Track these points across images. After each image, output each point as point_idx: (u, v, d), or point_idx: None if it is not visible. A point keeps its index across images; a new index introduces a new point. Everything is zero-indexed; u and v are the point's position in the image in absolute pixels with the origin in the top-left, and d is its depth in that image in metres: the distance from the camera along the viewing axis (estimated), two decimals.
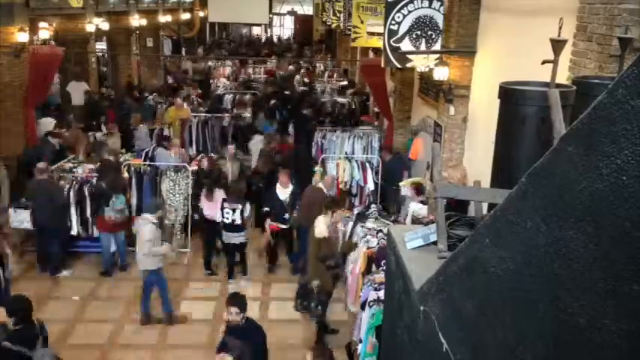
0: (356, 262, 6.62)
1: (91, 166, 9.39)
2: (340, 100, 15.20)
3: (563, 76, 4.01)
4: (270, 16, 25.09)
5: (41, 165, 8.19)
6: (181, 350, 6.66)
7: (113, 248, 8.40)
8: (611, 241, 1.01)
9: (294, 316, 7.35)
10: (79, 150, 10.61)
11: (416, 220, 6.58)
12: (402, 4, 7.80)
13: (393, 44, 7.94)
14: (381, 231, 6.59)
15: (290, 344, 6.67)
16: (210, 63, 22.26)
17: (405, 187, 8.41)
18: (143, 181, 8.94)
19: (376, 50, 12.28)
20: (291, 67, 20.77)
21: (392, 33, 7.90)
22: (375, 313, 5.24)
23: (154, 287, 7.10)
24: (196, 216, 8.88)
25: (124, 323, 7.17)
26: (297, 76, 18.94)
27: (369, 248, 6.39)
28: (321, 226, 6.64)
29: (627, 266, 0.97)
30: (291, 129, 12.86)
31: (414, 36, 7.89)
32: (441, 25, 7.89)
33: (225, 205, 7.83)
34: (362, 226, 6.91)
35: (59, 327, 6.85)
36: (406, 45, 7.93)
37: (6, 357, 4.44)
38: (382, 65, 8.68)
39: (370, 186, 9.97)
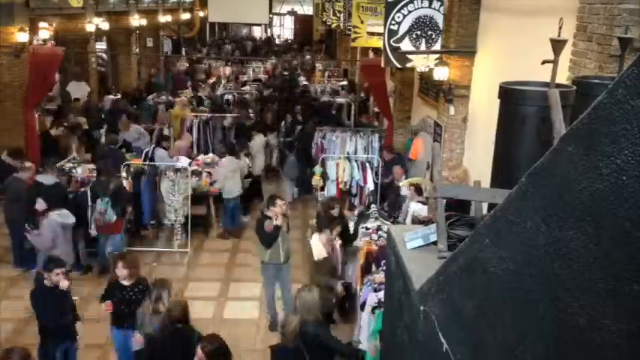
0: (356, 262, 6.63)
1: (92, 166, 9.40)
2: (338, 100, 15.19)
3: (563, 76, 4.01)
4: (270, 16, 25.09)
5: (27, 164, 8.22)
6: None
7: (110, 249, 8.42)
8: (611, 241, 1.01)
9: None
10: (75, 149, 10.64)
11: (416, 220, 6.58)
12: (402, 4, 7.80)
13: (393, 44, 7.94)
14: (380, 229, 6.61)
15: None
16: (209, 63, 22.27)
17: (405, 187, 8.41)
18: (141, 181, 8.94)
19: (376, 50, 12.29)
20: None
21: (392, 33, 7.90)
22: (378, 316, 5.22)
23: None
24: None
25: None
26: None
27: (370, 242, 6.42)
28: (318, 247, 6.22)
29: (627, 266, 0.97)
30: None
31: (414, 36, 7.89)
32: (441, 25, 7.89)
33: None
34: (362, 227, 6.91)
35: None
36: (406, 45, 7.93)
37: None
38: (382, 65, 8.68)
39: (370, 186, 9.97)
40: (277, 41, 36.04)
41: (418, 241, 2.59)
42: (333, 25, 17.19)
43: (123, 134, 11.54)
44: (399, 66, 8.41)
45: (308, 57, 21.64)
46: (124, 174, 8.70)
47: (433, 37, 7.88)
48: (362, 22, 11.34)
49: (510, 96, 2.61)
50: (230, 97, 15.41)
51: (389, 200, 9.12)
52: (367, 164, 10.10)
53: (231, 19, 22.71)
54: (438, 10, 7.85)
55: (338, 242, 6.54)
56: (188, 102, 13.74)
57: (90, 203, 8.16)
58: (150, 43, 20.08)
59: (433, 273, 2.01)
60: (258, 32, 38.49)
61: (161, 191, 8.94)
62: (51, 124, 11.48)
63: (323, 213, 6.97)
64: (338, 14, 15.37)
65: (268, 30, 37.98)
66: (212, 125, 12.50)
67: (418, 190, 7.80)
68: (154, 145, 10.44)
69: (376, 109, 13.21)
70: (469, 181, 7.72)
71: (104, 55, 18.18)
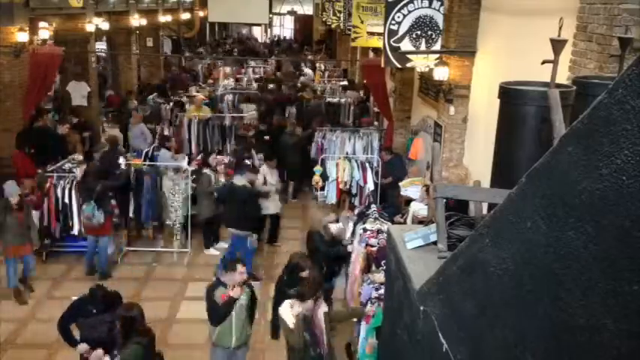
0: (355, 263, 6.61)
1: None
2: (333, 100, 15.17)
3: (563, 76, 4.01)
4: (270, 16, 25.06)
5: None
6: (181, 350, 6.66)
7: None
8: (611, 241, 1.01)
9: None
10: (78, 149, 10.66)
11: (416, 220, 6.58)
12: (402, 4, 7.80)
13: (393, 44, 7.94)
14: (380, 231, 6.58)
15: None
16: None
17: (406, 189, 8.41)
18: (143, 180, 8.93)
19: (376, 50, 12.29)
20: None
21: (392, 33, 7.90)
22: (376, 313, 5.23)
23: None
24: None
25: None
26: (302, 78, 18.82)
27: (368, 246, 6.39)
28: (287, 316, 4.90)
29: (627, 266, 0.97)
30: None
31: (414, 36, 7.89)
32: (441, 25, 7.89)
33: None
34: (362, 227, 6.88)
35: None
36: (406, 45, 7.93)
37: None
38: (382, 65, 8.68)
39: (370, 186, 9.97)
40: (269, 40, 36.04)
41: (418, 241, 2.59)
42: (333, 25, 17.17)
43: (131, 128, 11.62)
44: (399, 66, 8.41)
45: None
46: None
47: (433, 37, 7.88)
48: (362, 22, 11.34)
49: (510, 96, 2.61)
50: (230, 96, 15.39)
51: (391, 202, 9.12)
52: (367, 164, 10.10)
53: (231, 19, 22.66)
54: (438, 10, 7.85)
55: (322, 310, 5.25)
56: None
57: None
58: (150, 43, 20.06)
59: (433, 273, 2.01)
60: (257, 32, 38.46)
61: (163, 191, 8.94)
62: (54, 122, 11.47)
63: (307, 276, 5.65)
64: (338, 14, 15.36)
65: (268, 31, 37.96)
66: (211, 125, 12.50)
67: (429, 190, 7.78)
68: (154, 145, 10.44)
69: (376, 109, 13.21)
70: (469, 179, 7.71)
71: (104, 55, 18.18)
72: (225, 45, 30.35)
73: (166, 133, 12.00)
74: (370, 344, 5.17)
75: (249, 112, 13.51)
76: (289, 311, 4.93)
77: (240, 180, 8.25)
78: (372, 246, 6.41)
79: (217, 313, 5.24)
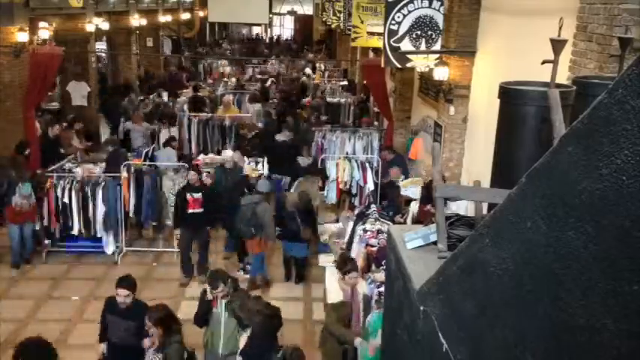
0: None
1: (91, 166, 9.39)
2: (333, 100, 15.18)
3: (563, 76, 4.01)
4: (270, 16, 25.07)
5: None
6: None
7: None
8: (611, 241, 1.01)
9: (295, 316, 7.35)
10: (74, 149, 10.67)
11: (416, 220, 6.58)
12: (402, 4, 7.81)
13: (393, 44, 7.94)
14: (380, 232, 6.59)
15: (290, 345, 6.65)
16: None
17: (406, 188, 8.41)
18: (144, 181, 8.93)
19: (376, 50, 12.30)
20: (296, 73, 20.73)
21: (392, 33, 7.90)
22: (379, 315, 5.20)
23: None
24: None
25: None
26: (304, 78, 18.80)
27: (368, 246, 6.40)
28: (335, 286, 5.30)
29: (627, 266, 0.97)
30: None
31: (414, 36, 7.89)
32: (441, 25, 7.89)
33: None
34: (362, 228, 6.89)
35: (59, 327, 6.85)
36: (406, 45, 7.93)
37: None
38: (382, 65, 8.68)
39: (370, 186, 9.98)
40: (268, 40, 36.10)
41: (418, 241, 2.59)
42: (333, 25, 17.18)
43: (129, 125, 11.63)
44: (399, 66, 8.41)
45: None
46: (124, 174, 8.69)
47: (433, 37, 7.89)
48: (362, 22, 11.35)
49: (510, 96, 2.60)
50: (230, 97, 15.41)
51: (390, 200, 9.10)
52: (367, 164, 10.10)
53: (231, 19, 22.67)
54: (438, 10, 7.85)
55: (362, 288, 5.57)
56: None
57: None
58: (150, 43, 20.07)
59: (433, 273, 2.01)
60: (257, 32, 38.50)
61: (163, 191, 8.94)
62: (47, 124, 11.46)
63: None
64: (338, 14, 15.37)
65: (268, 31, 37.97)
66: (211, 125, 12.51)
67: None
68: (154, 145, 10.45)
69: (376, 109, 13.22)
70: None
71: (104, 55, 18.19)
72: (223, 45, 30.38)
73: (170, 133, 12.01)
74: (373, 345, 5.15)
75: (254, 111, 13.65)
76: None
77: (282, 136, 10.68)
78: (372, 246, 6.41)
79: (200, 312, 5.40)
